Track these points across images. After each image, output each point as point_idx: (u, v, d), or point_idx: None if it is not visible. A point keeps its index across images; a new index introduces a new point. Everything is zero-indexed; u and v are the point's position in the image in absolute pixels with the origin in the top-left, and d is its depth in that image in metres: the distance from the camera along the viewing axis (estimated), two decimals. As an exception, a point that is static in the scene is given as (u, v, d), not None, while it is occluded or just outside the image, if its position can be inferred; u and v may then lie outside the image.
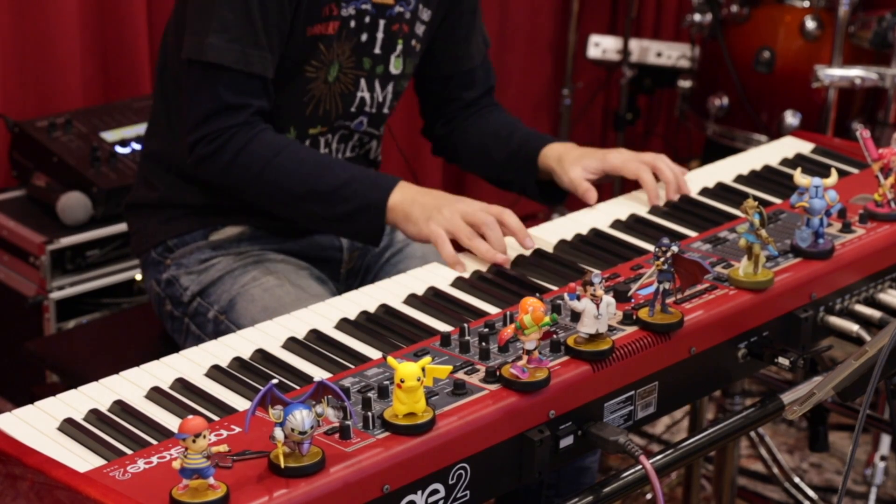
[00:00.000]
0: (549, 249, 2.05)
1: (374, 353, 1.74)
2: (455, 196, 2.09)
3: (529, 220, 2.20)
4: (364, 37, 2.21)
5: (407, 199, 2.07)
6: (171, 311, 2.28)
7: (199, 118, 2.13)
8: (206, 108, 2.12)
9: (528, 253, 2.03)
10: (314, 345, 1.77)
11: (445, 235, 2.02)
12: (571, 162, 2.25)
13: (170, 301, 2.28)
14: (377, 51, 2.24)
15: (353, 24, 2.19)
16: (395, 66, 2.28)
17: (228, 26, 2.09)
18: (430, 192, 2.09)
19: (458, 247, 2.05)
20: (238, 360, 1.72)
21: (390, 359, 1.48)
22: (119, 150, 3.01)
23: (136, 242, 2.35)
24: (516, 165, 2.35)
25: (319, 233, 2.33)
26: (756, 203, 1.80)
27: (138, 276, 2.95)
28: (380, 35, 2.23)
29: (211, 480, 1.35)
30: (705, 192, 2.26)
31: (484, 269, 1.99)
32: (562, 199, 2.35)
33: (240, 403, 1.63)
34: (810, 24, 3.41)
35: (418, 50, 2.32)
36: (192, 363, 1.72)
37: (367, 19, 2.20)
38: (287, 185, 2.12)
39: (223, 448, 1.36)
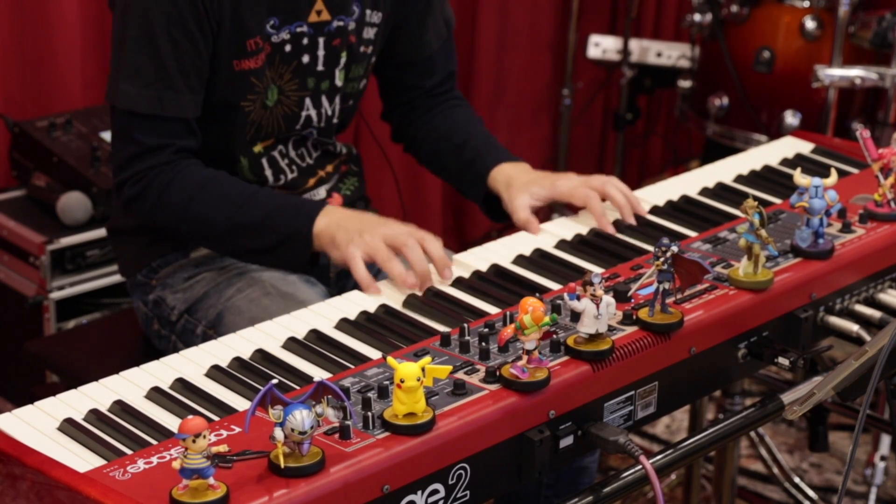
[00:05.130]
0: (549, 249, 2.05)
1: (374, 353, 1.74)
2: (382, 219, 2.07)
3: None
4: (305, 58, 2.19)
5: (332, 223, 2.05)
6: (158, 331, 2.27)
7: (122, 161, 2.13)
8: (128, 152, 2.12)
9: (527, 252, 2.02)
10: (314, 345, 1.77)
11: (360, 257, 1.98)
12: (518, 188, 2.19)
13: (158, 321, 2.27)
14: (320, 68, 2.21)
15: (288, 48, 2.16)
16: (340, 79, 2.25)
17: (140, 72, 2.07)
18: (356, 216, 2.07)
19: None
20: (238, 360, 1.72)
21: (390, 359, 1.48)
22: (119, 151, 3.00)
23: (121, 266, 2.35)
24: (466, 180, 2.32)
25: None
26: (756, 203, 1.80)
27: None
28: (321, 53, 2.20)
29: (211, 480, 1.35)
30: (705, 192, 2.26)
31: (483, 269, 1.99)
32: (509, 219, 2.27)
33: (240, 403, 1.63)
34: (810, 24, 3.41)
35: (370, 52, 2.29)
36: (192, 363, 1.72)
37: (306, 41, 2.17)
38: (213, 221, 2.10)
39: (223, 448, 1.36)
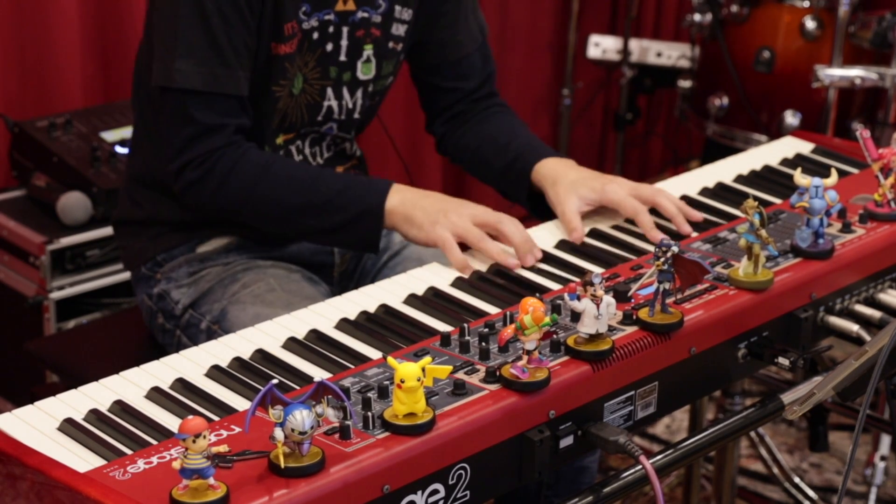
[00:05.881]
0: (550, 249, 2.05)
1: (374, 353, 1.74)
2: (458, 199, 2.06)
3: (528, 219, 2.19)
4: (329, 46, 2.18)
5: (407, 201, 2.05)
6: (162, 325, 2.27)
7: (181, 144, 2.10)
8: (186, 134, 2.09)
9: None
10: (314, 345, 1.77)
11: (453, 240, 1.99)
12: (567, 189, 2.13)
13: (162, 314, 2.27)
14: (342, 58, 2.21)
15: (315, 35, 2.16)
16: (363, 72, 2.24)
17: (194, 49, 2.06)
18: (430, 195, 2.07)
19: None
20: (238, 360, 1.72)
21: (390, 359, 1.48)
22: (119, 150, 3.01)
23: (125, 259, 2.34)
24: (510, 178, 2.28)
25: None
26: (756, 203, 1.80)
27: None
28: (344, 42, 2.19)
29: (211, 480, 1.35)
30: (705, 192, 2.26)
31: (484, 268, 1.99)
32: (553, 215, 2.22)
33: (240, 403, 1.63)
34: (810, 24, 3.41)
35: (400, 49, 2.28)
36: (192, 363, 1.72)
37: (331, 29, 2.17)
38: (280, 202, 2.09)
39: (223, 448, 1.36)
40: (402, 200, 2.05)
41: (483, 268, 1.99)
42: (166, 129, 2.12)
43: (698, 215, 2.12)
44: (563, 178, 2.16)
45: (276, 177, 2.09)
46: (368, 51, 2.23)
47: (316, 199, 2.08)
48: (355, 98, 2.26)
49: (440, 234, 2.00)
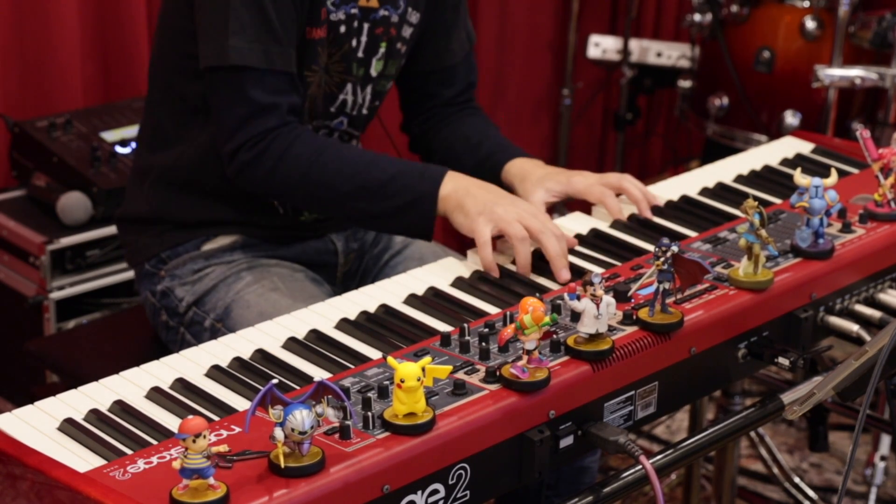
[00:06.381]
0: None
1: (374, 353, 1.74)
2: (512, 195, 2.07)
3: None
4: (354, 42, 2.20)
5: (461, 188, 2.05)
6: (166, 322, 2.27)
7: (235, 124, 2.09)
8: (240, 113, 2.08)
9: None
10: (314, 345, 1.77)
11: (489, 234, 1.98)
12: (534, 183, 2.18)
13: (165, 312, 2.27)
14: (360, 54, 2.22)
15: (342, 28, 2.17)
16: (374, 69, 2.25)
17: (246, 27, 2.05)
18: (484, 185, 2.07)
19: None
20: (238, 360, 1.72)
21: (390, 359, 1.48)
22: (119, 150, 3.01)
23: (129, 255, 2.34)
24: (480, 176, 2.25)
25: (313, 239, 2.32)
26: (756, 203, 1.80)
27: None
28: (363, 38, 2.20)
29: (211, 480, 1.35)
30: (705, 192, 2.26)
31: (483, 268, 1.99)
32: None
33: (240, 403, 1.63)
34: (810, 24, 3.41)
35: (403, 52, 2.30)
36: (192, 363, 1.72)
37: (355, 24, 2.19)
38: (334, 185, 2.08)
39: (223, 448, 1.36)
40: (456, 188, 2.05)
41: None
42: (218, 110, 2.12)
43: (660, 201, 2.18)
44: (531, 174, 2.21)
45: (331, 159, 2.09)
46: (382, 48, 2.25)
47: (370, 184, 2.07)
48: (365, 94, 2.27)
49: (480, 228, 1.99)
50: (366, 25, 2.20)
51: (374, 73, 2.26)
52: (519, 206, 2.01)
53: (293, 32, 2.10)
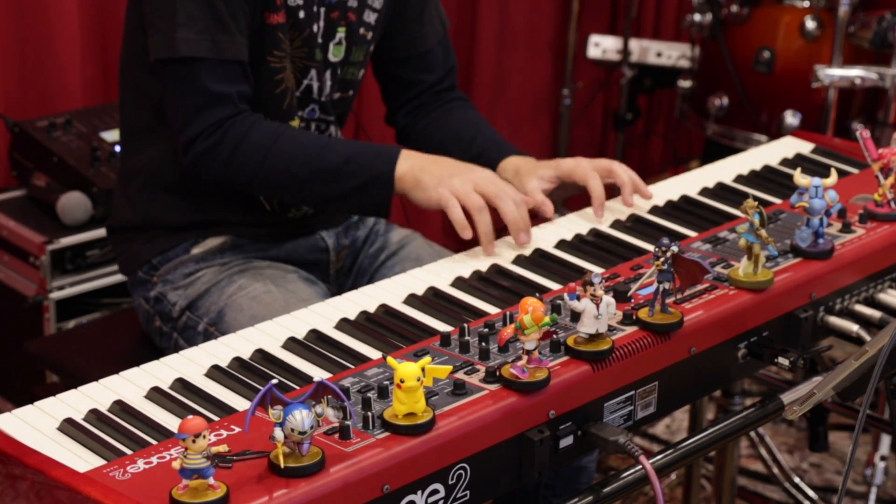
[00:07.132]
0: (549, 249, 2.05)
1: (374, 353, 1.74)
2: (466, 164, 2.09)
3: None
4: (315, 27, 2.20)
5: (416, 166, 2.08)
6: (160, 328, 2.27)
7: (189, 115, 2.10)
8: (194, 104, 2.09)
9: (527, 252, 2.03)
10: (314, 345, 1.77)
11: (454, 200, 2.02)
12: (527, 173, 2.21)
13: (159, 317, 2.26)
14: (319, 39, 2.22)
15: (301, 14, 2.17)
16: (333, 54, 2.25)
17: (194, 18, 2.06)
18: (438, 160, 2.10)
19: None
20: (238, 360, 1.72)
21: (390, 359, 1.48)
22: (119, 150, 3.00)
23: (122, 264, 2.34)
24: None
25: (302, 237, 2.32)
26: (756, 203, 1.80)
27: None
28: (321, 23, 2.21)
29: (211, 480, 1.35)
30: (705, 192, 2.26)
31: (484, 268, 1.99)
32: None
33: (240, 403, 1.63)
34: (810, 24, 3.41)
35: (369, 38, 2.30)
36: (192, 363, 1.72)
37: (314, 8, 2.19)
38: (291, 170, 2.11)
39: (223, 448, 1.36)
40: (412, 166, 2.08)
41: (483, 267, 1.99)
42: (171, 102, 2.13)
43: (650, 193, 2.19)
44: (523, 167, 2.23)
45: (287, 144, 2.11)
46: (341, 33, 2.25)
47: (326, 166, 2.10)
48: (325, 79, 2.27)
49: (442, 193, 2.03)
50: (322, 10, 2.21)
51: (332, 57, 2.25)
52: (475, 174, 2.05)
53: (242, 21, 2.10)
